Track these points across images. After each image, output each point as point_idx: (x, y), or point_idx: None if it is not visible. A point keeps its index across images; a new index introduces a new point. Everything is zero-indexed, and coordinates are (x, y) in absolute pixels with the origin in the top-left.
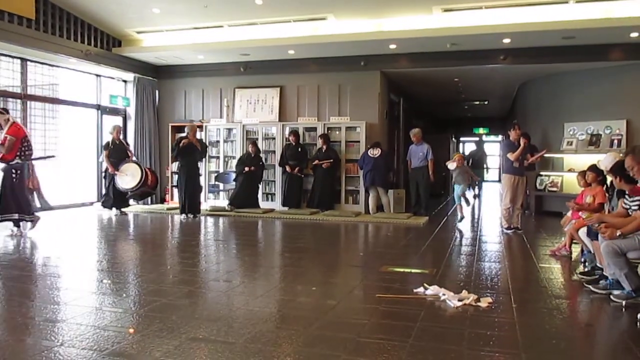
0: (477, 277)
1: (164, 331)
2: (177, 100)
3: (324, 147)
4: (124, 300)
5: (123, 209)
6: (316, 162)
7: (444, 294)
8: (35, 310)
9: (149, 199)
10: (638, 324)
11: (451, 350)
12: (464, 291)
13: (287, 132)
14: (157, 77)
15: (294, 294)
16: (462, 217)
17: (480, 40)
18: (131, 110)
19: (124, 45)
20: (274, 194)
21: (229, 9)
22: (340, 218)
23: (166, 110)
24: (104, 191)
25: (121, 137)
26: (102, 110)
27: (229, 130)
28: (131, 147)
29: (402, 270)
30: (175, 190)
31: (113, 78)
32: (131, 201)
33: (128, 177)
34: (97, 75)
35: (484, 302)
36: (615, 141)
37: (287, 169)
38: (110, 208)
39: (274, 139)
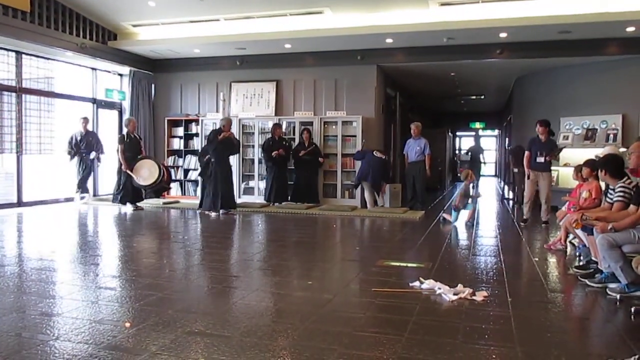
0: (473, 271)
1: (160, 325)
2: (173, 94)
3: (307, 141)
4: (120, 294)
5: (138, 204)
6: (302, 152)
7: (439, 288)
8: (31, 304)
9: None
10: (632, 317)
11: (446, 344)
12: (459, 285)
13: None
14: (153, 70)
15: (289, 288)
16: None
17: (476, 35)
18: (127, 104)
19: (120, 39)
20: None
21: (225, 2)
22: (337, 212)
23: (162, 104)
24: (88, 183)
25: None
26: (98, 104)
27: None
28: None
29: (398, 264)
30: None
31: (109, 71)
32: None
33: (145, 174)
34: (93, 69)
35: (479, 296)
36: (611, 135)
37: (275, 153)
38: (125, 203)
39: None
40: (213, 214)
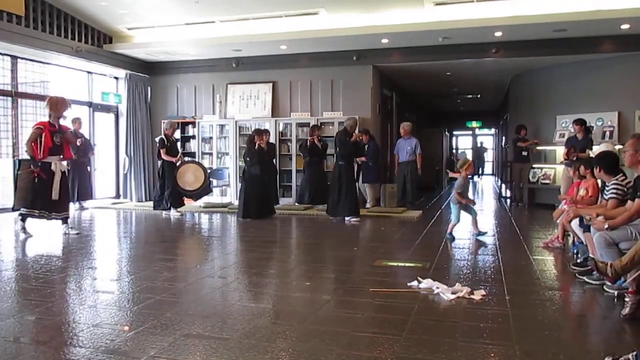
0: (471, 270)
1: (158, 328)
2: (170, 96)
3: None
4: (117, 298)
5: (179, 209)
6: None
7: (437, 287)
8: (28, 308)
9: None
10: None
11: (445, 343)
12: (457, 284)
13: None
14: (149, 73)
15: (287, 289)
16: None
17: (472, 34)
18: (123, 107)
19: (115, 42)
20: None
21: (220, 4)
22: None
23: (158, 106)
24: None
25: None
26: (94, 107)
27: (222, 126)
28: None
29: (395, 264)
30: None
31: (104, 75)
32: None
33: (191, 179)
34: (89, 72)
35: (477, 295)
36: (607, 133)
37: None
38: (169, 209)
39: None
40: (353, 220)
